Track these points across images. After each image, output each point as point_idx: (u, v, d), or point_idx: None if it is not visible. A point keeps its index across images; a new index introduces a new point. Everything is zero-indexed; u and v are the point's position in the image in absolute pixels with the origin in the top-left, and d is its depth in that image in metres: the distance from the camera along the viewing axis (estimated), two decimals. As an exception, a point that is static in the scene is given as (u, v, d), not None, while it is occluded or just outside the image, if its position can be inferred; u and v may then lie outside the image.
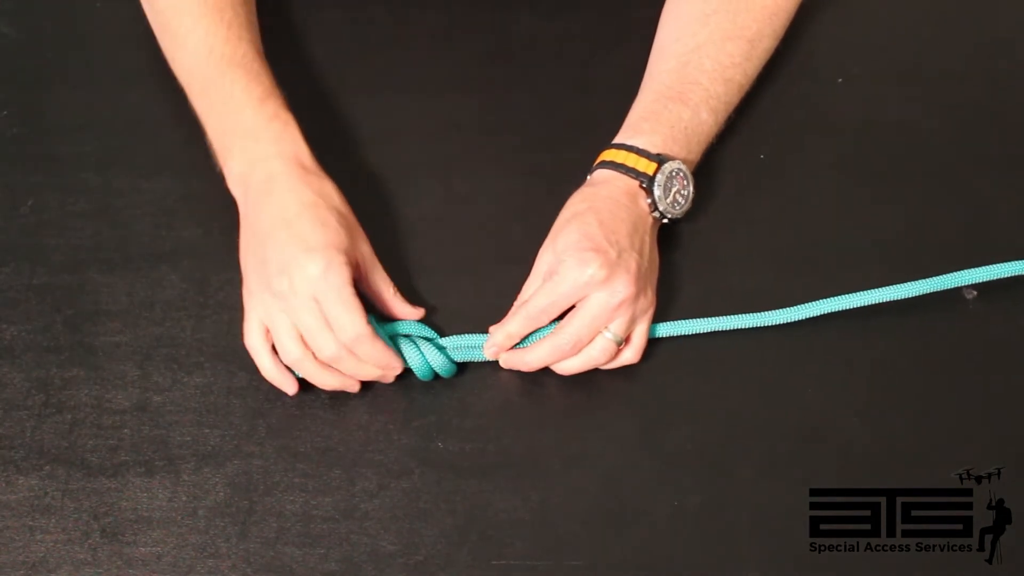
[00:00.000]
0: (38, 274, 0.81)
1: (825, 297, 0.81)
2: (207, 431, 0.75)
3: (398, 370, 0.76)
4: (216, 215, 0.83)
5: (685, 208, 0.80)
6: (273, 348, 0.75)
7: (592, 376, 0.78)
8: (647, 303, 0.78)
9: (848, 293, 0.80)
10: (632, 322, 0.76)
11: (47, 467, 0.73)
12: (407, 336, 0.77)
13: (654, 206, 0.79)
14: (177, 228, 0.83)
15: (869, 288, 0.80)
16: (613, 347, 0.76)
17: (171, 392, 0.76)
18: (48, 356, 0.77)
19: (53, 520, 0.72)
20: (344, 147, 0.88)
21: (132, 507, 0.72)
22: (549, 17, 0.96)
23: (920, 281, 0.80)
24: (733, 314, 0.80)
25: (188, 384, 0.77)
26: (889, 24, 0.99)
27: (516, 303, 0.78)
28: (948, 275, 0.81)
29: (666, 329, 0.79)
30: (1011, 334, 0.81)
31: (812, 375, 0.79)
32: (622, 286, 0.74)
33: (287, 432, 0.75)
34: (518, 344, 0.77)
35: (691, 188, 0.80)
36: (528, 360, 0.76)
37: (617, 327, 0.75)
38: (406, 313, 0.78)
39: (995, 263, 0.82)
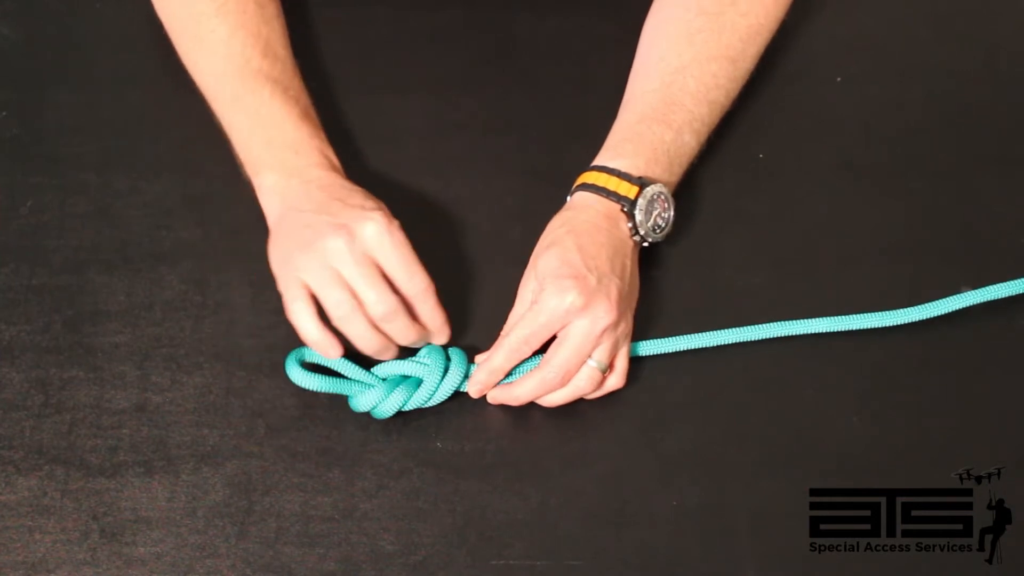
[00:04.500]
0: (37, 275, 0.81)
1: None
2: (206, 431, 0.75)
3: (445, 336, 0.76)
4: (216, 216, 0.84)
5: (666, 231, 0.79)
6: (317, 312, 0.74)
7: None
8: (628, 327, 0.76)
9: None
10: (615, 348, 0.75)
11: (46, 467, 0.73)
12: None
13: (635, 230, 0.77)
14: (176, 229, 0.83)
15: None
16: (599, 375, 0.75)
17: (170, 392, 0.76)
18: (47, 356, 0.77)
19: (52, 520, 0.72)
20: (344, 147, 0.87)
21: (131, 507, 0.72)
22: (549, 17, 0.96)
23: (913, 308, 0.81)
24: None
25: (187, 384, 0.77)
26: (888, 23, 0.99)
27: (501, 335, 0.77)
28: (946, 299, 0.81)
29: (648, 348, 0.79)
30: (1011, 335, 0.81)
31: (812, 375, 0.79)
32: (603, 312, 0.73)
33: (286, 432, 0.75)
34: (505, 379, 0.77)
35: (672, 212, 0.79)
36: (516, 394, 0.75)
37: (601, 354, 0.74)
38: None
39: (993, 263, 0.82)
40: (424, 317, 0.75)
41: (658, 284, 0.82)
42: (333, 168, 0.79)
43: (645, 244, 0.79)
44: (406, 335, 0.74)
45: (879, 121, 0.92)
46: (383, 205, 0.76)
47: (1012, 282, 0.81)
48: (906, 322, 0.80)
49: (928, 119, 0.92)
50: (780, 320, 0.80)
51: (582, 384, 0.75)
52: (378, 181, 0.86)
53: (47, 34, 0.94)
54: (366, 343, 0.74)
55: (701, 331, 0.79)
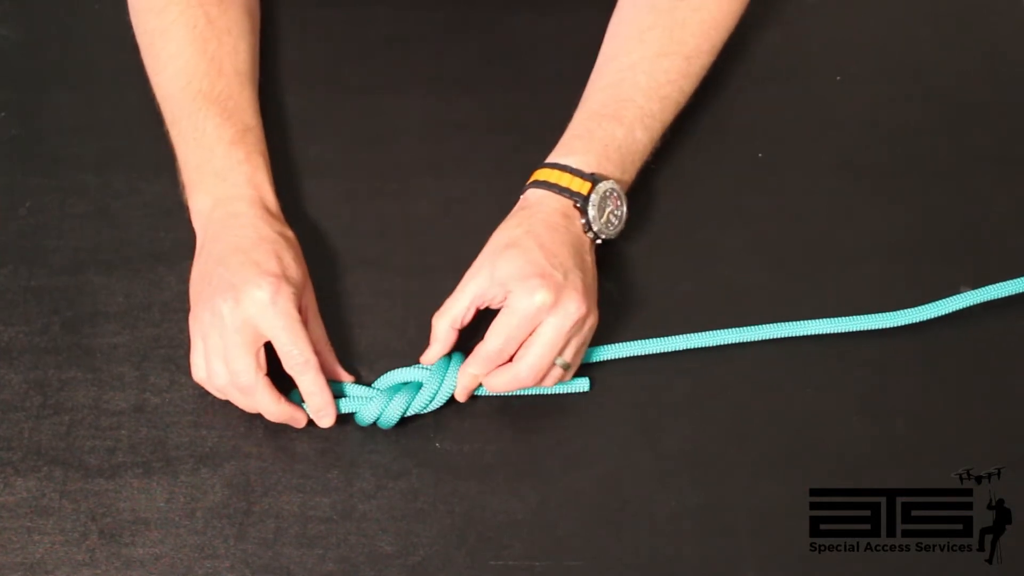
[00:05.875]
0: (36, 275, 0.81)
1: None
2: (205, 432, 0.75)
3: (329, 418, 0.74)
4: (215, 216, 0.83)
5: (619, 228, 0.79)
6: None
7: (590, 378, 0.78)
8: (595, 321, 0.76)
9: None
10: (583, 344, 0.75)
11: (45, 468, 0.73)
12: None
13: (588, 226, 0.77)
14: (175, 229, 0.82)
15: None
16: (560, 372, 0.74)
17: (169, 393, 0.76)
18: (46, 357, 0.77)
19: (51, 521, 0.72)
20: (344, 147, 0.88)
21: (130, 508, 0.72)
22: (549, 16, 0.96)
23: (913, 309, 0.80)
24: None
25: (186, 385, 0.76)
26: (887, 22, 0.99)
27: (434, 323, 0.76)
28: (946, 300, 0.81)
29: (648, 347, 0.78)
30: (1011, 335, 0.81)
31: (812, 375, 0.79)
32: (574, 306, 0.72)
33: (285, 433, 0.75)
34: None
35: (625, 208, 0.79)
36: (492, 384, 0.74)
37: (569, 352, 0.74)
38: (337, 375, 0.76)
39: (993, 263, 0.82)
40: (303, 393, 0.73)
41: (658, 283, 0.82)
42: (258, 200, 0.78)
43: (599, 241, 0.79)
44: (268, 411, 0.73)
45: (879, 121, 0.92)
46: (286, 261, 0.74)
47: (1012, 282, 0.81)
48: (906, 323, 0.80)
49: (928, 119, 0.92)
50: (780, 319, 0.80)
51: (546, 381, 0.74)
52: (377, 181, 0.86)
53: (47, 34, 0.94)
54: (244, 408, 0.74)
55: (701, 331, 0.79)
